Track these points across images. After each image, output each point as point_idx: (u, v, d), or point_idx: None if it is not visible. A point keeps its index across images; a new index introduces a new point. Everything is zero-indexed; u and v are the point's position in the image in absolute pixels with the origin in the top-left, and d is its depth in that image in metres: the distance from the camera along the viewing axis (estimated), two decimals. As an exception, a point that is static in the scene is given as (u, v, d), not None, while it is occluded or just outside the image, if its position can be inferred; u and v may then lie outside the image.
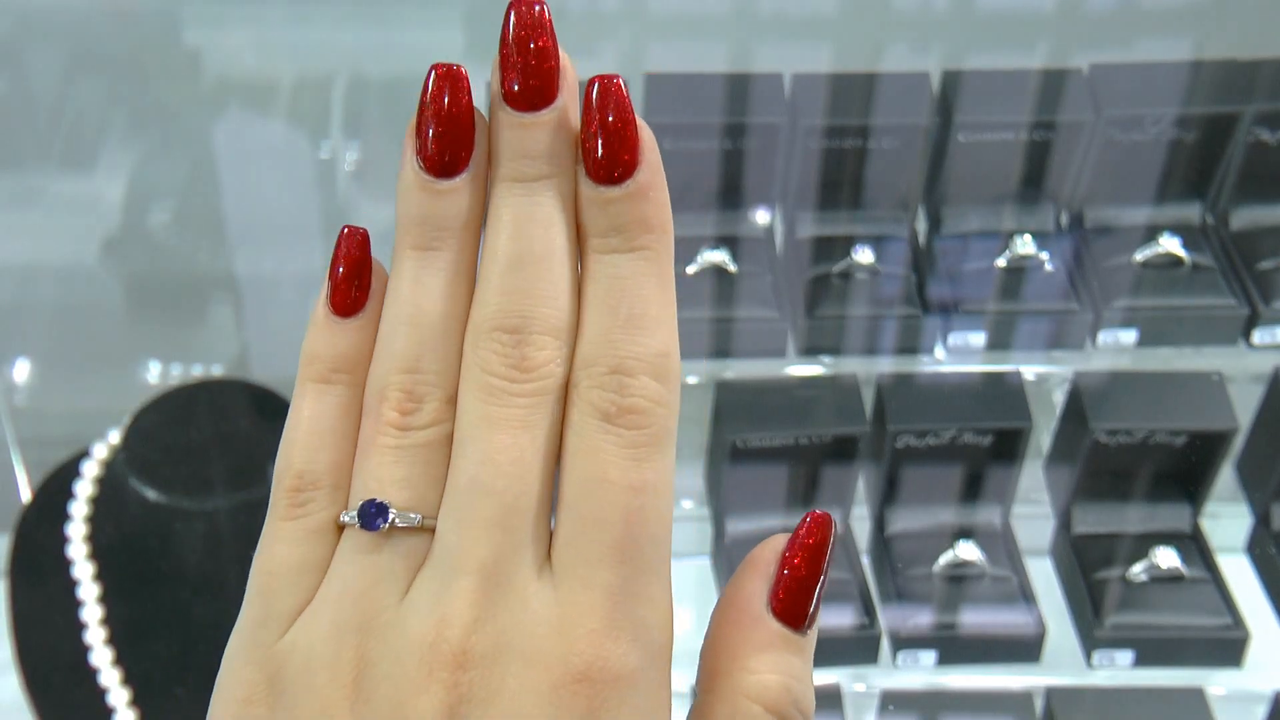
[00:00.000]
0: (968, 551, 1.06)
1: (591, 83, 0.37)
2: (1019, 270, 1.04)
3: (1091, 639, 1.05)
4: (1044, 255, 1.04)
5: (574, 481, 0.36)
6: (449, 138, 0.37)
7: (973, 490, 1.08)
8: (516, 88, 0.37)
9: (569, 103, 0.38)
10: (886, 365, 1.05)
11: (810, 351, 1.04)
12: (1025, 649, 1.05)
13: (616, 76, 0.37)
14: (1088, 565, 1.07)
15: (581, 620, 0.35)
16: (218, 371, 1.17)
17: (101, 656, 0.92)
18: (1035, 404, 1.05)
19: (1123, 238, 1.05)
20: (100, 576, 0.94)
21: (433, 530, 0.37)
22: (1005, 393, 1.05)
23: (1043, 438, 1.11)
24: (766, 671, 0.37)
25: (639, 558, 0.36)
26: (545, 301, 0.37)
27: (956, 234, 1.06)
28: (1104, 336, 1.04)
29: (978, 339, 1.04)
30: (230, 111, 1.08)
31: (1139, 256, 1.04)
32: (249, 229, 1.12)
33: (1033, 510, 1.10)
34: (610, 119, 0.37)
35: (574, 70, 0.38)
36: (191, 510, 0.95)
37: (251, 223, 1.12)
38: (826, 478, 1.07)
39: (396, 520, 0.36)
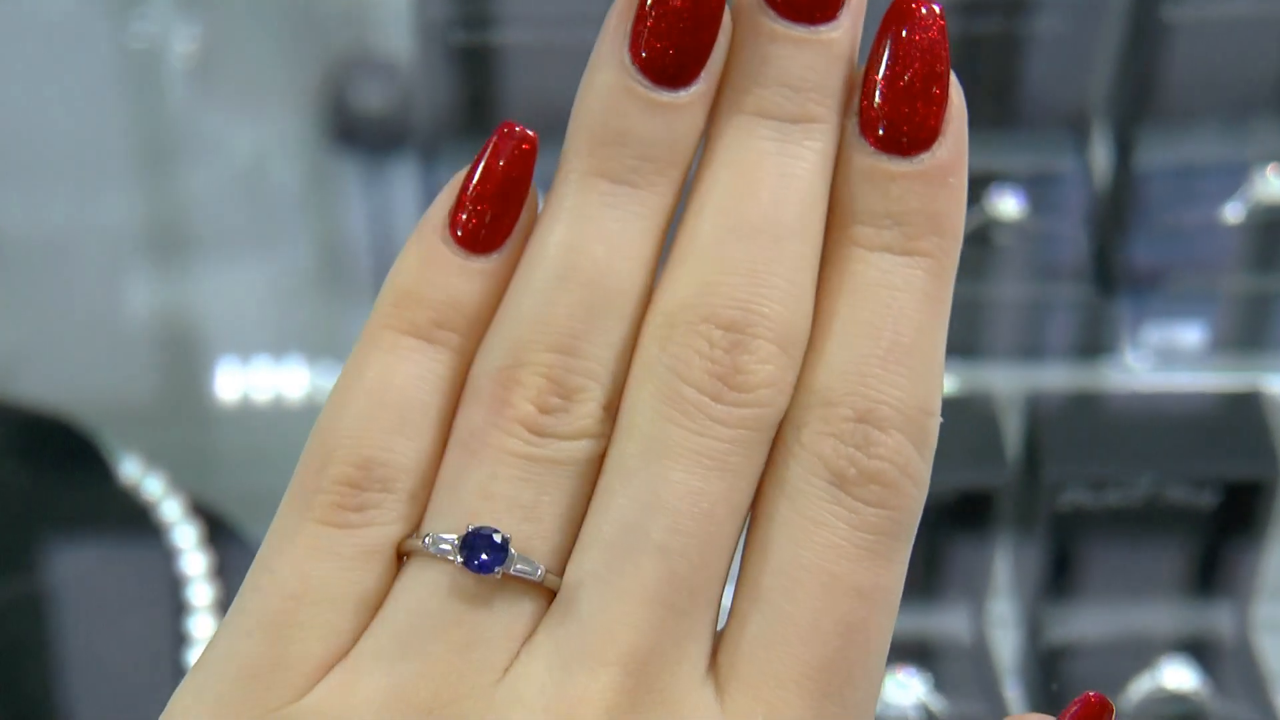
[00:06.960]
0: (1180, 676, 0.94)
1: (894, 7, 0.34)
2: (1267, 226, 0.95)
3: (1399, 825, 0.90)
4: (1308, 203, 0.92)
5: (779, 564, 0.33)
6: (684, 33, 0.34)
7: (1189, 578, 0.98)
8: None
9: (854, 26, 0.34)
10: (1047, 378, 0.96)
11: (923, 355, 0.90)
12: (1280, 836, 0.91)
13: (934, 3, 0.34)
14: (1388, 702, 0.92)
15: None
16: (-36, 388, 1.07)
17: None
18: (1292, 441, 0.92)
19: None
20: None
21: (554, 590, 0.33)
22: (1242, 423, 0.93)
23: (1305, 495, 0.98)
24: None
25: (847, 690, 0.33)
26: (781, 296, 0.33)
27: (1162, 169, 0.97)
28: None
29: (1195, 336, 0.95)
30: (-20, -33, 0.96)
31: None
32: (16, 160, 1.02)
33: (1290, 612, 0.99)
34: (915, 62, 0.34)
35: None
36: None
37: (20, 150, 1.02)
38: (950, 554, 0.96)
39: (516, 565, 0.32)
